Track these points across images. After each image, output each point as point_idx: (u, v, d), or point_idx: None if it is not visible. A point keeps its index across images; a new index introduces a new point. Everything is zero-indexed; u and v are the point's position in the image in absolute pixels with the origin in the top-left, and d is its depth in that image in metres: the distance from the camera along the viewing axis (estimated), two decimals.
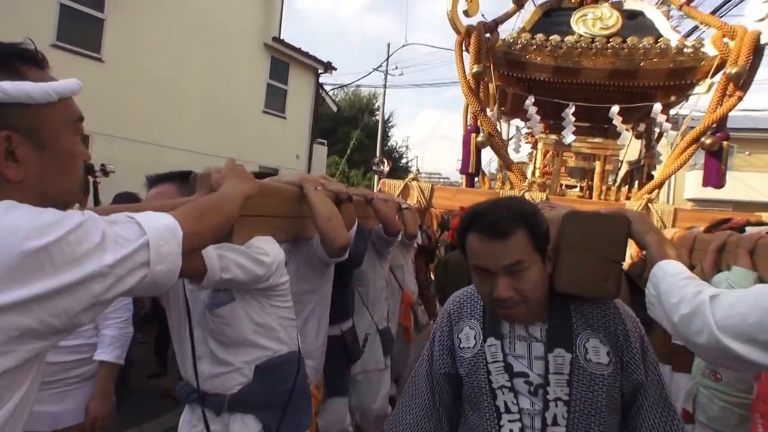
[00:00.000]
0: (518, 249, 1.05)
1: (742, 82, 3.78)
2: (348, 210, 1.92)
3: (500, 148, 4.12)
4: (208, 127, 9.93)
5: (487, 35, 4.05)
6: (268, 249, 1.41)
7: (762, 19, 3.64)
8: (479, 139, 4.04)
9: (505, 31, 4.30)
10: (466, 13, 4.11)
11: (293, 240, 1.82)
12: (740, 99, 3.84)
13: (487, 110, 4.24)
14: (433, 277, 4.17)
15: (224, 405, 1.41)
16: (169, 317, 1.51)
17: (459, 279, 1.87)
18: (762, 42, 3.67)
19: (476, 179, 5.06)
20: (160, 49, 8.96)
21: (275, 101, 11.82)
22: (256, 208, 1.42)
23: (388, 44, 32.75)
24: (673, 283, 0.98)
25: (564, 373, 1.10)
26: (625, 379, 1.12)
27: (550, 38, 3.99)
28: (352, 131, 20.26)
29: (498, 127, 4.26)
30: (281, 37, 11.39)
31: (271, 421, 1.44)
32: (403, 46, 29.16)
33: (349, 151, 18.72)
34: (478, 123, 4.02)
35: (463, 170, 4.10)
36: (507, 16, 4.31)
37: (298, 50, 12.00)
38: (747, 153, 18.49)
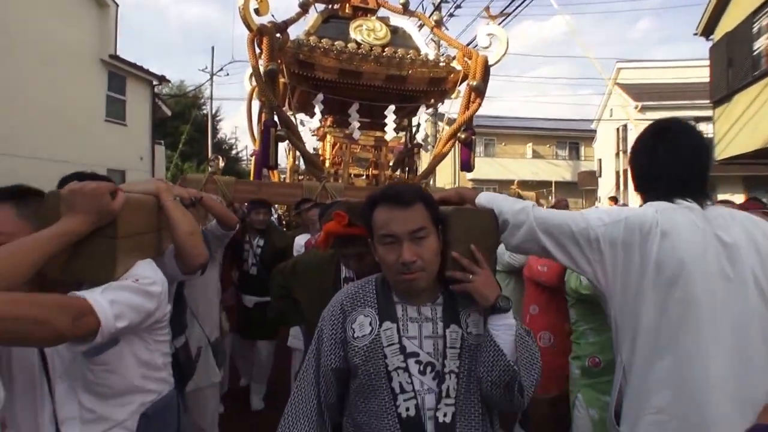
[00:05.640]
0: (420, 217, 1.21)
1: (480, 92, 5.02)
2: (194, 215, 1.81)
3: (298, 141, 4.57)
4: (55, 137, 10.96)
5: (278, 35, 4.44)
6: (153, 277, 1.27)
7: (487, 47, 4.91)
8: (278, 132, 4.41)
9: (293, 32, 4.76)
10: (257, 12, 4.43)
11: (156, 257, 1.57)
12: (480, 104, 5.11)
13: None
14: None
15: None
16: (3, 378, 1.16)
17: (309, 280, 1.85)
18: (489, 64, 4.96)
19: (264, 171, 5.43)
20: (2, 67, 9.89)
21: (115, 110, 13.66)
22: (131, 227, 1.29)
23: (213, 47, 32.22)
24: (504, 198, 1.40)
25: (456, 347, 1.23)
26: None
27: (335, 43, 4.60)
28: (181, 126, 21.59)
29: (294, 122, 4.71)
30: (117, 54, 13.49)
31: None
32: (229, 63, 29.31)
33: (180, 146, 19.93)
34: (275, 117, 4.38)
35: (264, 163, 4.41)
36: (294, 20, 4.77)
37: (134, 65, 14.05)
38: (504, 144, 24.63)
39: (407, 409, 1.19)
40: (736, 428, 1.12)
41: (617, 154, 20.87)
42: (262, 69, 4.35)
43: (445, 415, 1.19)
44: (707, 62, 10.77)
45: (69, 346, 1.15)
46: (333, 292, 1.60)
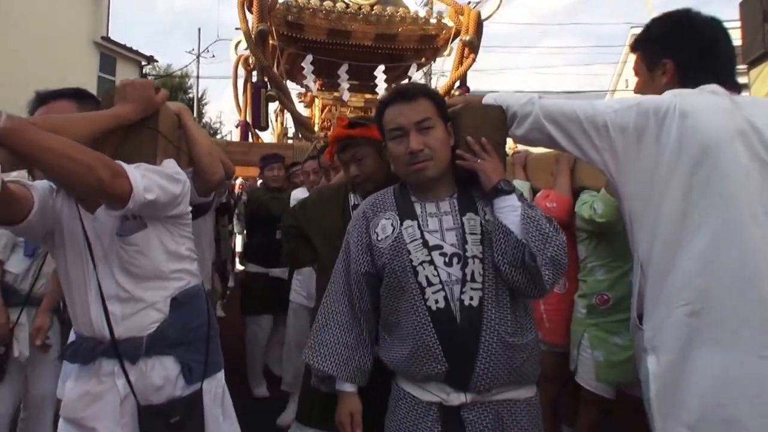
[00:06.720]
0: (424, 109, 1.28)
1: (474, 47, 4.99)
2: None
3: (288, 101, 4.69)
4: None
5: None
6: (178, 169, 1.41)
7: (479, 2, 4.86)
8: (269, 93, 4.52)
9: None
10: None
11: None
12: (474, 60, 5.07)
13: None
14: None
15: (141, 348, 1.31)
16: (60, 258, 1.37)
17: (319, 214, 1.90)
18: (482, 18, 4.91)
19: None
20: None
21: (106, 91, 13.84)
22: (165, 129, 1.45)
23: (199, 29, 32.48)
24: (511, 94, 1.41)
25: (477, 234, 1.26)
26: None
27: (323, 3, 4.65)
28: None
29: (284, 83, 4.82)
30: (109, 36, 14.08)
31: (190, 359, 1.39)
32: (215, 41, 29.58)
33: None
34: (265, 78, 4.49)
35: (254, 125, 4.55)
36: None
37: (124, 46, 14.54)
38: None
39: (437, 301, 1.22)
40: None
41: None
42: (252, 31, 4.44)
43: (471, 298, 1.21)
44: (735, 24, 9.97)
45: (108, 218, 1.31)
46: (342, 221, 1.69)
